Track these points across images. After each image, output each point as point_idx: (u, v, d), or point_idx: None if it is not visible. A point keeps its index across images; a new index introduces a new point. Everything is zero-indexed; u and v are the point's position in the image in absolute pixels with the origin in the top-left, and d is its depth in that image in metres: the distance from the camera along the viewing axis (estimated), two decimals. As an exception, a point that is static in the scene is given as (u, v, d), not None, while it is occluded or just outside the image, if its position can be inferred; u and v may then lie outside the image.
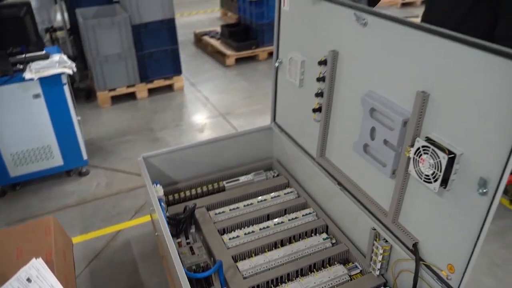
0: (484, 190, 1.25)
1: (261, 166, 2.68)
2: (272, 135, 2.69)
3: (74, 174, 3.13)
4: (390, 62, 1.60)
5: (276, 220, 2.19)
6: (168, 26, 4.35)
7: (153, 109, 4.18)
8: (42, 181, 3.06)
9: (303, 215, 2.21)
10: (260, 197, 2.37)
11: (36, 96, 2.79)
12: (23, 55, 2.81)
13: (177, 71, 4.57)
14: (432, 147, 1.38)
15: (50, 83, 2.79)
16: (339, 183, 2.03)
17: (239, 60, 5.34)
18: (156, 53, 4.38)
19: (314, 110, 2.12)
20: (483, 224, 1.26)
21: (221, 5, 7.78)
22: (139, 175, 3.07)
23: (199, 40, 6.21)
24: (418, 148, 1.44)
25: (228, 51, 5.34)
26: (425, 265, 1.53)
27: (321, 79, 2.03)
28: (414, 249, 1.57)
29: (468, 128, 1.30)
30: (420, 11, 6.96)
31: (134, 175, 3.10)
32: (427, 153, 1.41)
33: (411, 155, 1.47)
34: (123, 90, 4.32)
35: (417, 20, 1.82)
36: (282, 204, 2.32)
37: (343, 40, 1.86)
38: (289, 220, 2.19)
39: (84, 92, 4.42)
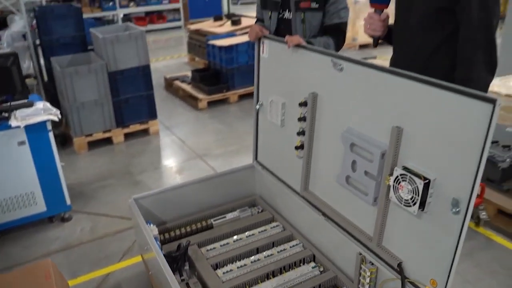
0: (457, 209, 1.45)
1: (245, 203, 2.80)
2: (254, 173, 2.84)
3: (56, 220, 3.12)
4: (366, 101, 1.82)
5: (265, 252, 2.31)
6: (144, 72, 4.50)
7: (130, 153, 4.25)
8: (23, 228, 3.03)
9: (290, 247, 2.34)
10: (247, 232, 2.48)
11: (21, 143, 2.83)
12: (8, 103, 2.86)
13: (153, 115, 4.70)
14: (409, 174, 1.58)
15: (35, 130, 2.84)
16: (324, 214, 2.19)
17: (210, 103, 5.54)
18: (132, 99, 4.50)
19: (297, 148, 2.31)
20: (459, 239, 1.45)
21: (188, 51, 8.05)
22: (123, 218, 3.11)
23: (169, 85, 6.39)
24: (397, 177, 1.64)
25: (200, 95, 5.53)
26: (410, 282, 1.69)
27: (302, 119, 2.23)
28: (399, 269, 1.73)
29: (438, 157, 1.51)
30: (376, 52, 7.55)
31: (118, 218, 3.13)
32: (405, 180, 1.60)
33: (391, 183, 1.67)
34: (99, 136, 4.38)
35: (376, 61, 2.07)
36: (269, 237, 2.44)
37: (321, 83, 2.08)
38: (278, 252, 2.30)
39: (59, 138, 4.42)
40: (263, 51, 2.56)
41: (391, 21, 1.96)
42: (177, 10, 11.78)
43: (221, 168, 3.75)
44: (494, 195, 2.79)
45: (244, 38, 5.92)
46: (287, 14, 2.52)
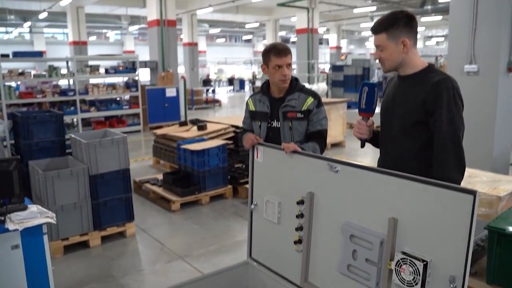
0: (454, 285, 1.72)
1: (240, 300, 2.89)
2: (248, 269, 2.97)
3: (40, 329, 2.98)
4: (361, 197, 2.14)
5: None
6: (124, 176, 4.67)
7: (109, 256, 4.21)
8: None
9: (294, 338, 2.44)
10: (250, 327, 2.56)
11: (15, 247, 2.82)
12: (4, 207, 2.89)
13: (130, 217, 4.75)
14: (409, 258, 1.86)
15: (31, 234, 2.85)
16: (325, 303, 2.36)
17: (183, 205, 5.67)
18: (111, 201, 4.58)
19: (295, 242, 2.52)
20: (460, 312, 1.70)
21: (153, 154, 8.29)
22: (112, 323, 3.04)
23: (139, 187, 6.49)
24: (398, 261, 1.90)
25: (172, 197, 5.68)
26: None
27: (300, 215, 2.49)
28: None
29: (432, 241, 1.81)
30: (332, 152, 8.21)
31: (107, 324, 3.06)
32: (406, 263, 1.87)
33: (393, 267, 1.93)
34: (76, 239, 4.33)
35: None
36: (272, 331, 2.52)
37: (318, 184, 2.39)
38: None
39: (32, 243, 4.31)
40: (257, 156, 2.88)
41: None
42: (136, 115, 12.23)
43: (205, 268, 3.81)
44: (465, 280, 3.09)
45: (214, 143, 6.33)
46: (275, 123, 2.93)
